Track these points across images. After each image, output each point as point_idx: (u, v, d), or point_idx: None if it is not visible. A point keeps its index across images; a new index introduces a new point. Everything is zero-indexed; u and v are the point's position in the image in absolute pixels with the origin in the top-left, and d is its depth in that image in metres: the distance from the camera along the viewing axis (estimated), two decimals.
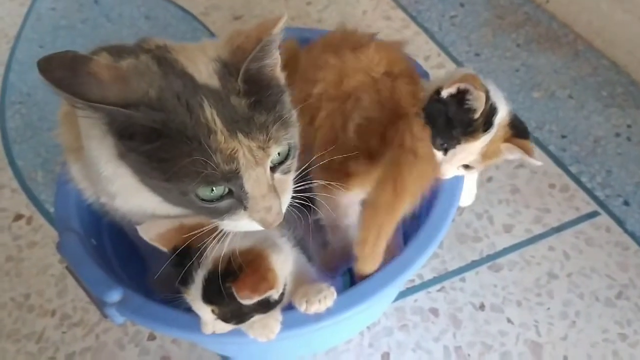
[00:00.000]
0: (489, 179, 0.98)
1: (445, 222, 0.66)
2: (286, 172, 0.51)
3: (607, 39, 1.14)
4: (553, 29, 1.20)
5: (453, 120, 0.63)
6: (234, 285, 0.50)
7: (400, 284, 0.77)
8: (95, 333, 0.84)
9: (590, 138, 1.02)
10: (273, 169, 0.49)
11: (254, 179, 0.47)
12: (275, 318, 0.58)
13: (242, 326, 0.57)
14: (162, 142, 0.44)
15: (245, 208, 0.48)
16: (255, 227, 0.50)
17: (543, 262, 0.88)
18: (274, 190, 0.49)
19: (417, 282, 0.87)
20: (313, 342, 0.78)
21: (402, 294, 0.85)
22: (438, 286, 0.86)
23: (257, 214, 0.48)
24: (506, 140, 0.64)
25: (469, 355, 0.80)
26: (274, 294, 0.54)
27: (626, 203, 0.94)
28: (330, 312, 0.60)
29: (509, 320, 0.83)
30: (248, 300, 0.50)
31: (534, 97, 1.09)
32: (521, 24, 1.22)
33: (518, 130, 0.65)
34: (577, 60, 1.14)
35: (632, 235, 0.91)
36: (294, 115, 0.51)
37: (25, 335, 0.85)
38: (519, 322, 0.83)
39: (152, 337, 0.83)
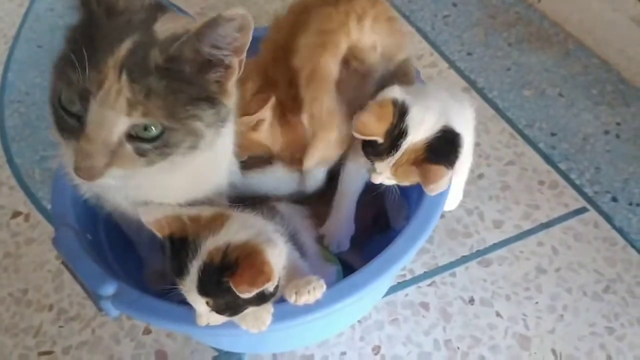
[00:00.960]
0: (480, 176, 0.99)
1: (435, 213, 0.67)
2: (141, 154, 0.48)
3: (598, 38, 1.16)
4: (544, 28, 1.22)
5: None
6: (231, 279, 0.51)
7: (390, 277, 0.78)
8: (92, 327, 0.85)
9: (579, 135, 1.04)
10: (131, 138, 0.47)
11: (98, 118, 0.45)
12: (267, 310, 0.59)
13: (235, 318, 0.58)
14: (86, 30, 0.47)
15: (78, 141, 0.47)
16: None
17: (532, 257, 0.90)
18: (109, 148, 0.46)
19: (408, 276, 0.88)
20: (305, 334, 0.80)
21: (393, 289, 0.87)
22: (428, 281, 0.88)
23: (80, 153, 0.46)
24: (415, 164, 0.63)
25: (458, 348, 0.82)
26: (270, 287, 0.55)
27: (614, 199, 0.96)
28: (321, 304, 0.61)
29: (498, 314, 0.85)
30: (247, 293, 0.51)
31: (525, 95, 1.10)
32: (513, 24, 1.23)
33: (434, 155, 0.63)
34: (568, 59, 1.16)
35: (619, 231, 0.92)
36: (199, 127, 0.50)
37: (23, 330, 0.86)
38: (507, 316, 0.84)
39: (147, 332, 0.84)
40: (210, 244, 0.54)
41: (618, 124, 1.05)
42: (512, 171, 1.00)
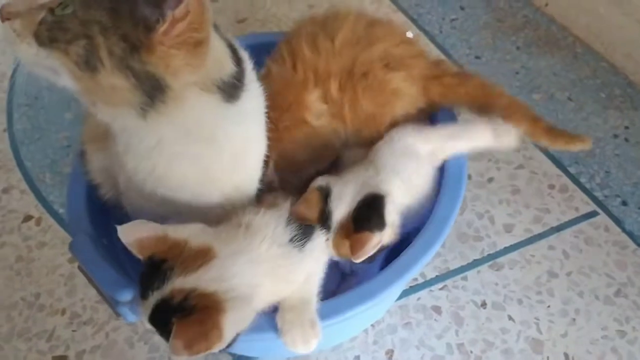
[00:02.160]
0: (490, 180, 1.00)
1: (449, 219, 0.67)
2: (40, 24, 0.47)
3: (606, 42, 1.16)
4: (552, 32, 1.22)
5: None
6: (175, 327, 0.49)
7: (404, 283, 0.78)
8: (105, 331, 0.86)
9: None
10: (51, 12, 0.47)
11: None
12: (314, 332, 0.60)
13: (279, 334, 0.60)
14: None
15: None
16: None
17: (543, 261, 0.90)
18: (31, 5, 0.47)
19: (420, 280, 0.89)
20: None
21: (406, 293, 0.87)
22: (440, 284, 0.88)
23: None
24: (346, 237, 0.64)
25: (471, 352, 0.82)
26: (213, 351, 0.51)
27: (624, 203, 0.96)
28: (336, 311, 0.62)
29: (510, 318, 0.85)
30: (179, 354, 0.48)
31: (534, 99, 1.11)
32: (521, 27, 1.24)
33: (358, 223, 0.63)
34: (576, 63, 1.16)
35: (630, 234, 0.93)
36: (101, 55, 0.47)
37: (36, 334, 0.86)
38: (520, 320, 0.85)
39: None
40: (178, 283, 0.52)
41: (627, 127, 1.06)
42: (522, 175, 1.00)
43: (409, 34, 0.78)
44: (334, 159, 0.78)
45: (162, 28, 0.46)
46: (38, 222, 0.99)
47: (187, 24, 0.46)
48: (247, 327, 0.56)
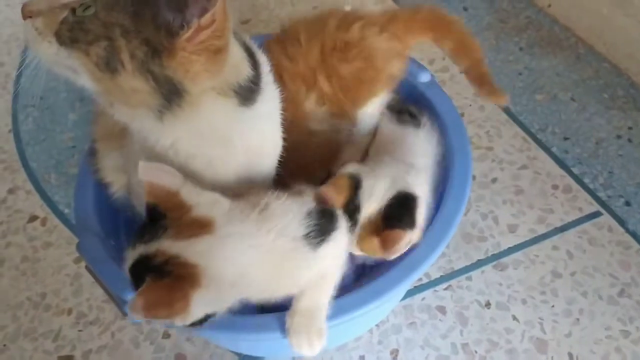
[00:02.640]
0: (494, 180, 1.00)
1: (454, 219, 0.68)
2: (62, 24, 0.48)
3: (608, 43, 1.16)
4: (555, 33, 1.22)
5: None
6: (144, 285, 0.48)
7: (409, 283, 0.79)
8: (111, 331, 0.86)
9: (592, 140, 1.05)
10: (73, 12, 0.48)
11: None
12: (318, 334, 0.60)
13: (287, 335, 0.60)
14: None
15: None
16: None
17: (547, 261, 0.91)
18: (54, 4, 0.48)
19: (425, 280, 0.89)
20: None
21: (410, 293, 0.87)
22: (445, 285, 0.89)
23: None
24: (376, 234, 0.62)
25: (475, 352, 0.82)
26: (177, 322, 0.50)
27: (627, 203, 0.97)
28: (342, 311, 0.62)
29: (514, 318, 0.85)
30: (135, 312, 0.46)
31: (537, 99, 1.11)
32: (523, 28, 1.24)
33: (389, 221, 0.62)
34: (579, 64, 1.17)
35: (633, 235, 0.93)
36: (122, 57, 0.48)
37: (42, 334, 0.87)
38: (524, 320, 0.85)
39: (166, 335, 0.85)
40: (165, 245, 0.51)
41: (630, 128, 1.06)
42: (525, 175, 1.01)
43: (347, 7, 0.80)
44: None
45: (186, 34, 0.46)
46: (43, 222, 0.99)
47: (211, 32, 0.47)
48: (223, 312, 0.54)
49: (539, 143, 1.04)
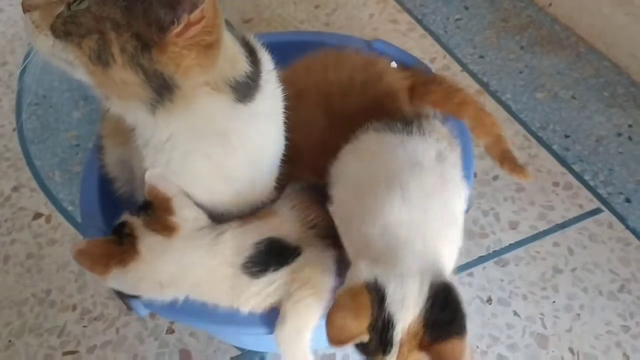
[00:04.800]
0: (495, 177, 1.01)
1: None
2: (58, 17, 0.49)
3: (609, 41, 1.17)
4: (556, 32, 1.23)
5: None
6: (98, 238, 0.61)
7: None
8: (116, 327, 0.87)
9: (592, 137, 1.05)
10: (68, 6, 0.49)
11: None
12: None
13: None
14: None
15: None
16: None
17: (548, 258, 0.91)
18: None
19: None
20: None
21: None
22: None
23: None
24: (422, 349, 0.50)
25: (477, 347, 0.83)
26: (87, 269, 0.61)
27: (628, 200, 0.97)
28: None
29: (515, 314, 0.86)
30: (72, 252, 0.59)
31: (538, 97, 1.12)
32: (524, 27, 1.25)
33: (438, 329, 0.50)
34: (580, 62, 1.17)
35: (633, 231, 0.94)
36: (114, 51, 0.48)
37: (47, 330, 0.87)
38: (525, 315, 0.86)
39: (170, 331, 0.86)
40: (137, 224, 0.60)
41: (630, 126, 1.07)
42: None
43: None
44: None
45: (176, 30, 0.47)
46: (48, 219, 1.00)
47: (201, 28, 0.48)
48: (147, 297, 0.60)
49: (539, 141, 1.05)
